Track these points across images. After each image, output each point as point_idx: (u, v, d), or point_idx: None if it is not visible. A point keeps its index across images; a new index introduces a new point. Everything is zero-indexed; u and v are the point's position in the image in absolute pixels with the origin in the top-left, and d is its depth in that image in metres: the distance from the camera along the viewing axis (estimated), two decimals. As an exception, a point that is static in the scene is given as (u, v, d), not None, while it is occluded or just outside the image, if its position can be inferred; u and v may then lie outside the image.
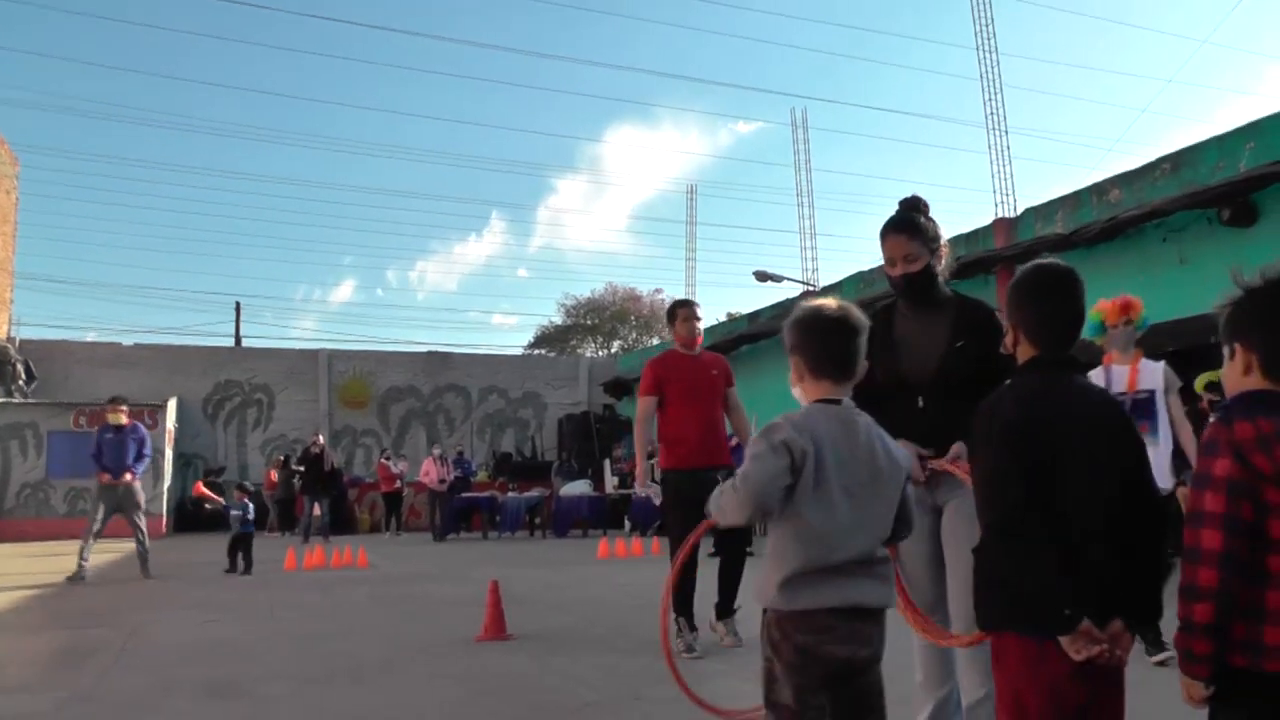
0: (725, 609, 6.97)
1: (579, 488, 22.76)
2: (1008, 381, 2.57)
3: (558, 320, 50.14)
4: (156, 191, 69.09)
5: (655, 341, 44.26)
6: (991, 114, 19.33)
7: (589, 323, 50.17)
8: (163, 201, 63.59)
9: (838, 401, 2.65)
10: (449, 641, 7.22)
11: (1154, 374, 6.14)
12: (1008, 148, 18.71)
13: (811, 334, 2.70)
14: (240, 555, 13.13)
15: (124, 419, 12.75)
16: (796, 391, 2.73)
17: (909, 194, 3.90)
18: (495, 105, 77.44)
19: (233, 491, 14.95)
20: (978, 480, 2.49)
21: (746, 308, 28.65)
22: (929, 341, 3.68)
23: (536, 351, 45.20)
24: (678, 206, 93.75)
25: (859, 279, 21.05)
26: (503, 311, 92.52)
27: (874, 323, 3.75)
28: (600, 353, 45.38)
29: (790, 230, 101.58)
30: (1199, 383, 9.76)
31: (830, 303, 2.73)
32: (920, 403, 3.62)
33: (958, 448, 3.41)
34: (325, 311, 73.17)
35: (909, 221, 3.77)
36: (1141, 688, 2.66)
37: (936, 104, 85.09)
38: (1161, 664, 5.60)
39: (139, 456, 12.60)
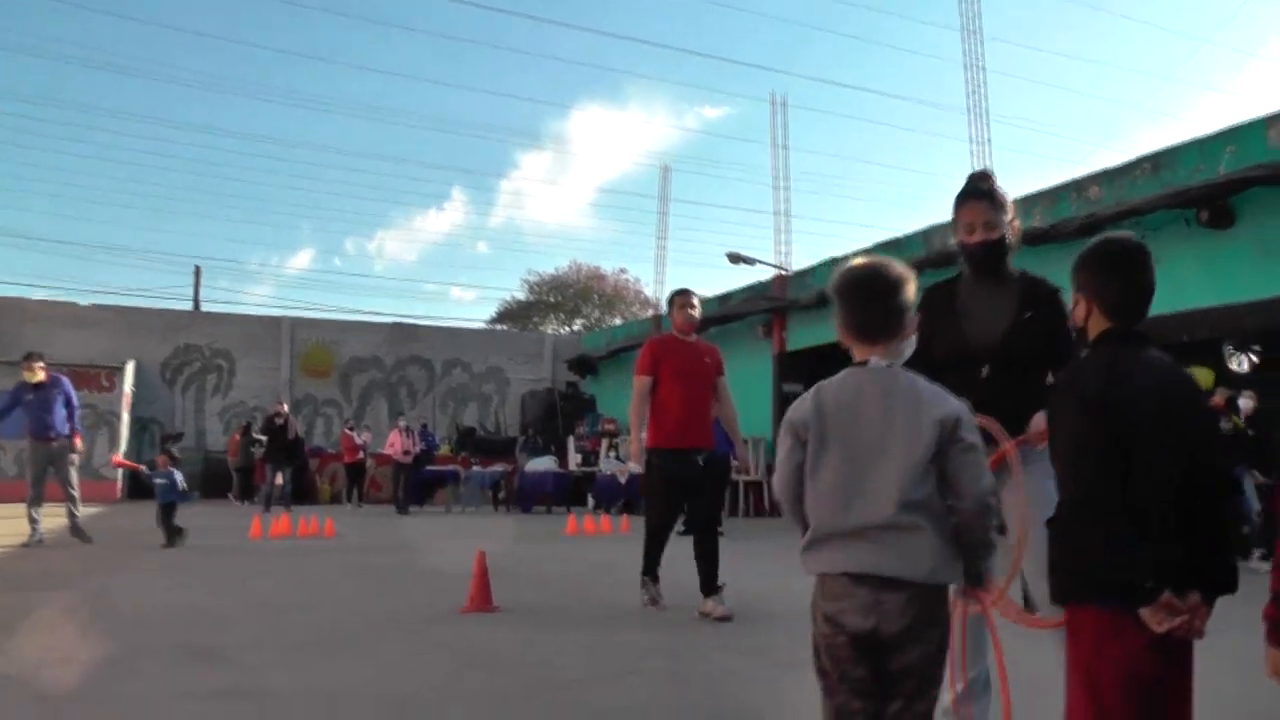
0: (710, 586, 7.16)
1: (544, 464, 22.67)
2: (1083, 354, 2.53)
3: (521, 296, 49.91)
4: (113, 143, 67.20)
5: (618, 321, 44.19)
6: (973, 98, 19.28)
7: (552, 300, 49.98)
8: (118, 154, 61.83)
9: (864, 364, 2.59)
10: (433, 612, 7.12)
11: None
12: (989, 140, 18.78)
13: (840, 295, 2.66)
14: (164, 527, 11.99)
15: (41, 375, 12.03)
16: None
17: (979, 169, 3.89)
18: (460, 71, 76.51)
19: (155, 458, 13.55)
20: (1056, 454, 2.46)
21: (716, 288, 28.55)
22: (994, 313, 3.64)
23: (499, 327, 44.94)
24: (644, 184, 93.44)
25: (833, 264, 21.04)
26: (461, 285, 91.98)
27: (936, 294, 3.78)
28: (563, 330, 45.22)
29: (764, 210, 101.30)
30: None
31: (862, 262, 2.66)
32: (984, 373, 3.57)
33: (1039, 419, 3.32)
34: (282, 278, 72.21)
35: (992, 190, 3.74)
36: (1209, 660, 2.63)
37: (918, 86, 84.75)
38: None
39: (70, 413, 12.03)
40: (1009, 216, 3.73)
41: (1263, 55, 72.36)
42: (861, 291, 2.62)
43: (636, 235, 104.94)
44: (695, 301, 7.68)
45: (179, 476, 12.33)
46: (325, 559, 10.97)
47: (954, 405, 2.54)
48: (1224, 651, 3.40)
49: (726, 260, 24.00)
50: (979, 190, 3.75)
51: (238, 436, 24.51)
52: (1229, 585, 2.29)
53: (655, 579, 7.45)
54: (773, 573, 10.67)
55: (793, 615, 7.27)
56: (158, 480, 12.27)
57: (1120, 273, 2.52)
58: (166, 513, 12.04)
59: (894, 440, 2.49)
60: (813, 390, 2.62)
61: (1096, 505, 2.29)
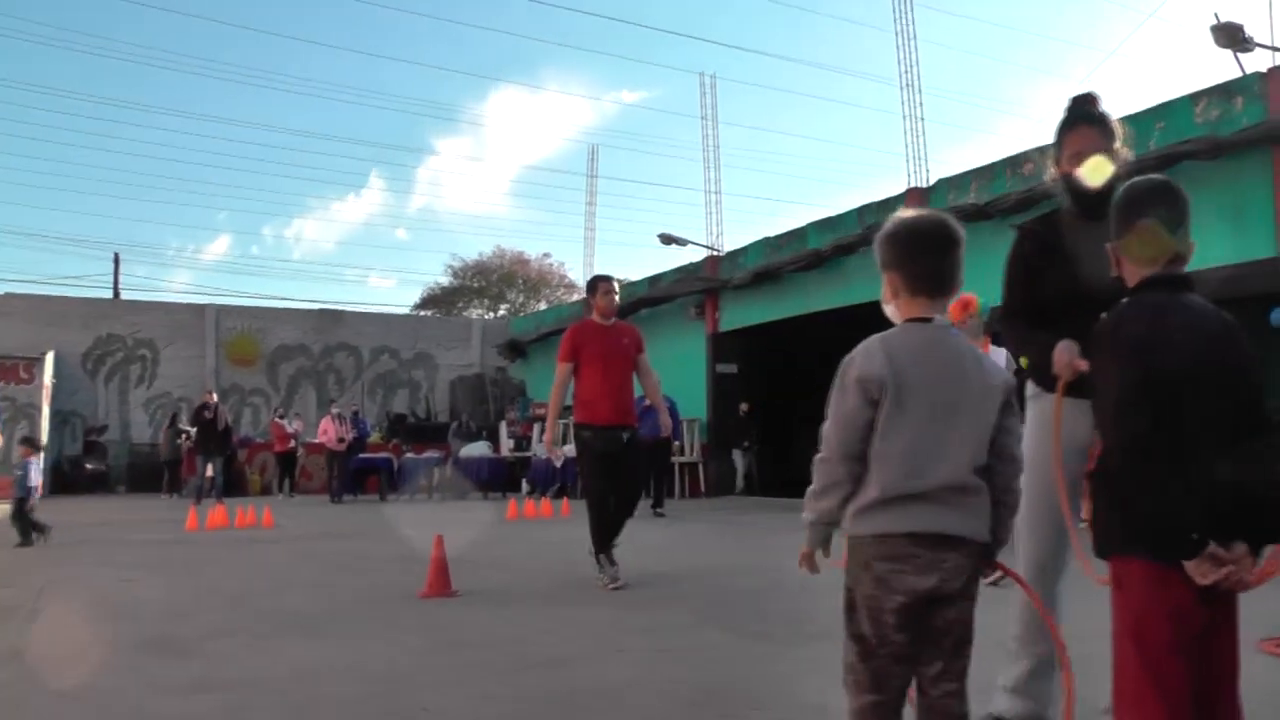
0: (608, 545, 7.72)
1: (479, 449, 22.54)
2: (1124, 300, 2.49)
3: (445, 281, 49.53)
4: (19, 117, 64.75)
5: (543, 305, 44.10)
6: (907, 76, 19.37)
7: (476, 285, 49.69)
8: (22, 129, 59.31)
9: (929, 320, 2.52)
10: (391, 597, 7.05)
11: (998, 359, 7.19)
12: (921, 118, 18.91)
13: (906, 248, 2.55)
14: (16, 524, 11.14)
15: None
16: (889, 309, 2.59)
17: (1083, 92, 3.49)
18: (376, 52, 75.27)
19: (16, 447, 12.44)
20: (1099, 401, 2.43)
21: (646, 270, 28.49)
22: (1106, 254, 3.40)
23: (424, 313, 44.55)
24: (569, 166, 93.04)
25: (765, 244, 21.20)
26: (380, 273, 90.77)
27: (1039, 232, 3.49)
28: (488, 315, 44.96)
29: (694, 187, 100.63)
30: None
31: (925, 213, 2.59)
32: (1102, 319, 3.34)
33: (1066, 355, 3.12)
34: (201, 265, 70.55)
35: (1103, 116, 3.39)
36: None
37: (850, 57, 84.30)
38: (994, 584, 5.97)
39: None
40: (1118, 144, 3.39)
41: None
42: (933, 242, 2.53)
43: (562, 219, 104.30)
44: (615, 287, 8.12)
45: (35, 469, 11.51)
46: (270, 549, 10.81)
47: (1005, 372, 2.56)
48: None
49: (658, 241, 24.07)
50: (1089, 115, 3.40)
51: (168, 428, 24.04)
52: (1275, 535, 2.28)
53: (611, 559, 7.65)
54: (733, 550, 10.79)
55: (760, 590, 7.42)
56: (18, 472, 11.45)
57: (1151, 215, 2.49)
58: (18, 507, 11.22)
59: (969, 401, 2.46)
60: (876, 346, 2.48)
61: (1141, 455, 2.28)
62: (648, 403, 15.36)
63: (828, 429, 2.53)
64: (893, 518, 2.42)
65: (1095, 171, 3.20)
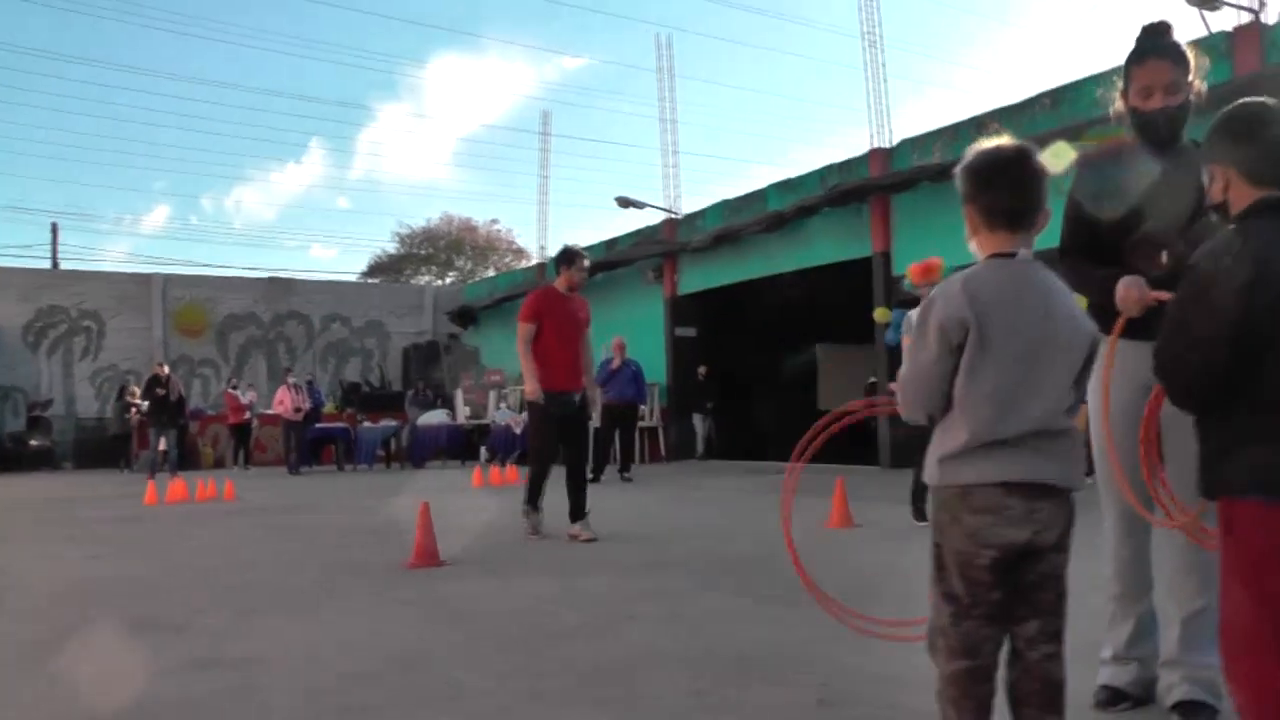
0: (578, 513, 8.11)
1: (437, 417, 22.29)
2: (1230, 228, 2.35)
3: (392, 249, 48.93)
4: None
5: (491, 272, 43.76)
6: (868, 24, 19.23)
7: (424, 252, 49.17)
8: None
9: (1012, 255, 2.36)
10: (377, 569, 6.85)
11: None
12: (885, 79, 18.85)
13: (986, 179, 2.40)
14: None
15: None
16: (972, 245, 2.44)
17: (1154, 20, 3.29)
18: (314, 19, 73.74)
19: None
20: (1193, 340, 2.30)
21: (599, 235, 28.21)
22: (1176, 190, 3.12)
23: (372, 281, 43.99)
24: (519, 130, 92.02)
25: (725, 206, 21.07)
26: (323, 241, 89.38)
27: (1100, 167, 3.29)
28: (436, 283, 44.51)
29: (649, 147, 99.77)
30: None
31: (1007, 143, 2.42)
32: (1164, 258, 3.10)
33: (1133, 289, 3.01)
34: (140, 236, 69.02)
35: (1176, 46, 3.19)
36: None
37: (810, 6, 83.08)
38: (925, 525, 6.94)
39: None
40: (1192, 76, 3.19)
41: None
42: (1017, 172, 2.37)
43: (513, 184, 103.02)
44: (587, 263, 8.64)
45: None
46: (239, 522, 10.52)
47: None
48: None
49: (615, 204, 23.84)
50: (1160, 46, 3.20)
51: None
52: None
53: (537, 508, 8.27)
54: (713, 513, 10.66)
55: (752, 553, 7.31)
56: None
57: (1265, 132, 2.36)
58: None
59: (1057, 341, 2.32)
60: (957, 286, 2.33)
61: (1255, 394, 2.18)
62: (614, 365, 15.50)
63: (905, 377, 2.41)
64: (982, 467, 2.29)
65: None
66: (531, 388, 8.22)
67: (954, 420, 2.35)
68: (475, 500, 12.48)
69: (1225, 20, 12.13)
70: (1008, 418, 2.28)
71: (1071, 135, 12.64)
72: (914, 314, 8.51)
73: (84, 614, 5.50)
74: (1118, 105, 3.34)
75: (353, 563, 7.27)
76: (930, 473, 2.42)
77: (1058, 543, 2.33)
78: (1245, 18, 11.92)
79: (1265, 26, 11.39)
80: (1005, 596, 2.32)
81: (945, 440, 2.36)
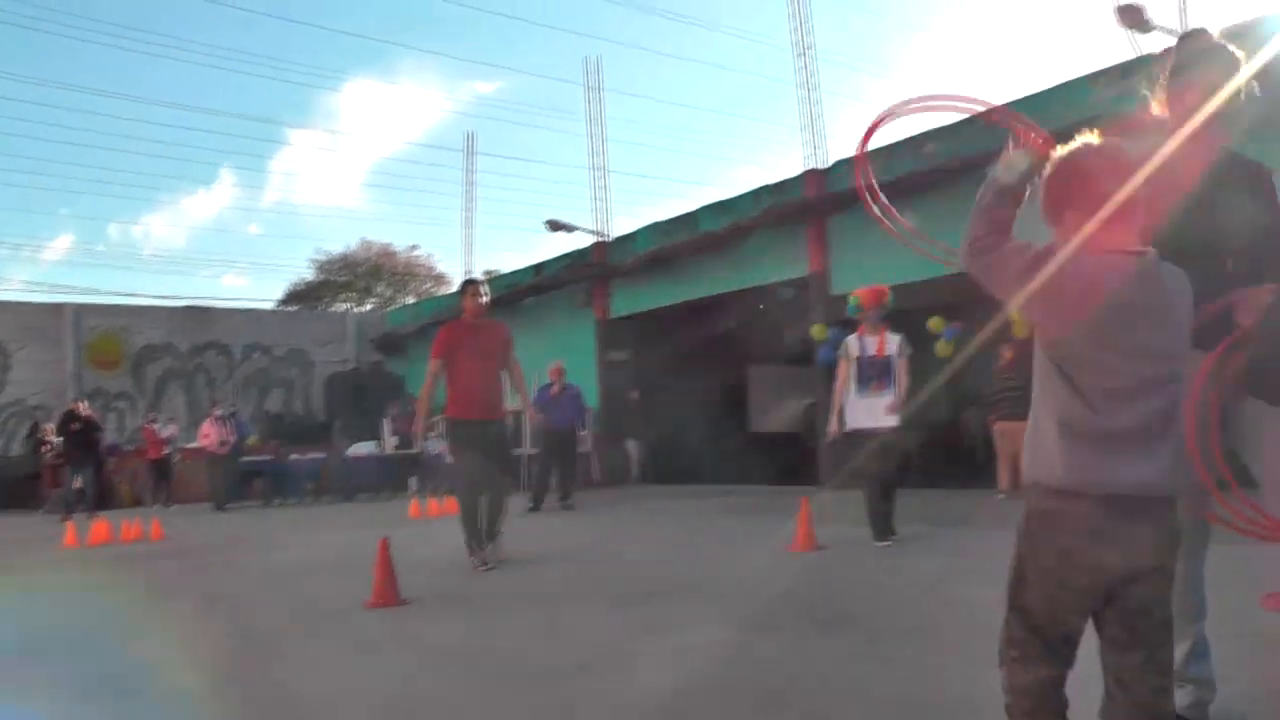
0: (491, 534, 8.30)
1: (366, 448, 21.78)
2: None
3: (310, 276, 48.05)
4: None
5: (411, 299, 43.26)
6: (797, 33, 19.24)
7: (342, 279, 48.41)
8: None
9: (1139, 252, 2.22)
10: (337, 610, 6.51)
11: (894, 343, 8.57)
12: (818, 91, 18.90)
13: (1091, 172, 2.27)
14: None
15: None
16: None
17: (1193, 29, 3.31)
18: (226, 44, 72.44)
19: None
20: None
21: (528, 258, 27.85)
22: (1225, 200, 3.07)
23: (289, 309, 43.12)
24: (444, 155, 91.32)
25: (656, 228, 20.98)
26: (236, 269, 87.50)
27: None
28: (355, 309, 43.80)
29: (578, 166, 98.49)
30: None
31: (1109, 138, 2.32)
32: (1230, 265, 3.04)
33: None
34: (42, 263, 66.68)
35: (1216, 51, 3.15)
36: None
37: (743, 19, 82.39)
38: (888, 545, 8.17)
39: None
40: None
41: None
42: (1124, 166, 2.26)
43: (435, 208, 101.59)
44: (484, 290, 8.72)
45: None
46: (174, 564, 10.01)
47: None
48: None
49: (544, 227, 23.53)
50: (1202, 54, 3.18)
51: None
52: None
53: (480, 543, 8.20)
54: (671, 539, 10.39)
55: (734, 578, 7.15)
56: None
57: None
58: None
59: (1172, 336, 2.22)
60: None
61: None
62: (554, 391, 15.25)
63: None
64: (1080, 468, 2.14)
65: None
66: (417, 427, 8.84)
67: (1044, 414, 2.23)
68: (417, 532, 12.12)
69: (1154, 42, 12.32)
70: (1112, 409, 2.14)
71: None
72: (851, 339, 8.70)
73: (25, 675, 5.10)
74: (1158, 111, 3.27)
75: (309, 603, 6.93)
76: (1023, 471, 2.30)
77: (1162, 565, 2.19)
78: (1172, 40, 12.11)
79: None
80: (1100, 623, 2.21)
81: (1038, 436, 2.25)
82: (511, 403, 9.28)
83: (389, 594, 6.65)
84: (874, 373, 8.53)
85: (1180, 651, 3.12)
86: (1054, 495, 2.19)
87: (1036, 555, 2.21)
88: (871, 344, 8.57)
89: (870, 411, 8.51)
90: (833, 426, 8.74)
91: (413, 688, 4.34)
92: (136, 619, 6.68)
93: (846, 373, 8.60)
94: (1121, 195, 2.21)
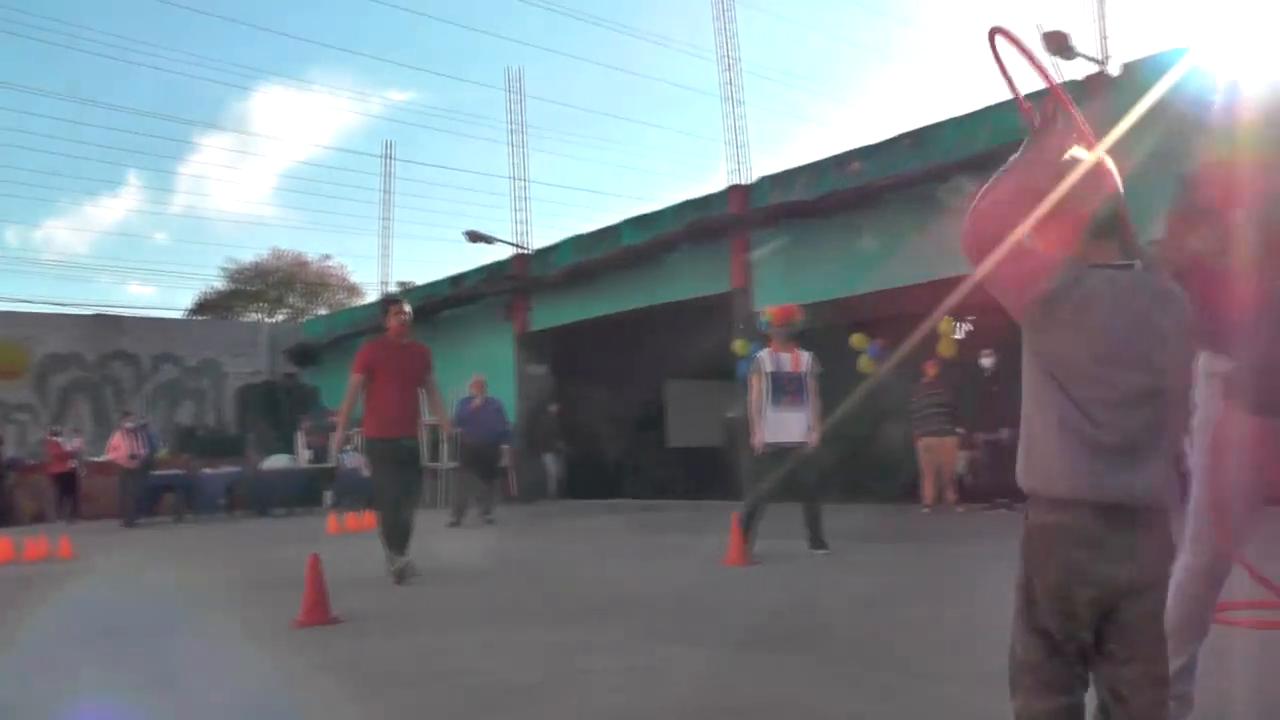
0: (403, 548, 8.29)
1: (282, 462, 21.37)
2: None
3: (220, 285, 47.12)
4: None
5: (324, 310, 42.69)
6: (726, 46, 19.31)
7: (253, 289, 47.59)
8: None
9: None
10: (266, 630, 6.37)
11: (806, 361, 8.85)
12: (743, 117, 19.00)
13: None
14: None
15: None
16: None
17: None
18: (132, 52, 70.61)
19: None
20: None
21: (446, 269, 27.40)
22: None
23: (200, 318, 42.20)
24: (360, 164, 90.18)
25: (577, 241, 20.94)
26: (141, 277, 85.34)
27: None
28: (266, 320, 43.04)
29: (499, 175, 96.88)
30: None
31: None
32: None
33: None
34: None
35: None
36: None
37: (668, 26, 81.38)
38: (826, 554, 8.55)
39: None
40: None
41: None
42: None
43: (352, 218, 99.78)
44: (407, 309, 8.80)
45: None
46: (86, 585, 9.67)
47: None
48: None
49: (464, 239, 23.30)
50: None
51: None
52: None
53: (401, 551, 8.27)
54: (603, 554, 10.34)
55: (671, 595, 7.13)
56: None
57: None
58: None
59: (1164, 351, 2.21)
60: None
61: None
62: (476, 404, 15.12)
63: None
64: (1079, 476, 2.15)
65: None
66: (336, 440, 9.07)
67: (1038, 423, 2.23)
68: (339, 548, 11.89)
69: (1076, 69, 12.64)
70: (1107, 425, 2.15)
71: (933, 175, 13.06)
72: (764, 354, 8.91)
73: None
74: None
75: (235, 624, 6.77)
76: (1020, 480, 2.27)
77: (1160, 578, 2.22)
78: (1094, 67, 12.48)
79: (1110, 76, 11.97)
80: (1101, 636, 2.19)
81: (1033, 446, 2.24)
82: (428, 417, 9.62)
83: (320, 612, 6.53)
84: (790, 388, 8.75)
85: (1179, 662, 3.12)
86: (1054, 507, 2.19)
87: (1043, 572, 2.20)
88: (786, 360, 8.82)
89: (785, 426, 8.71)
90: (758, 440, 8.82)
91: (365, 711, 4.26)
92: (44, 648, 6.44)
93: (760, 386, 8.72)
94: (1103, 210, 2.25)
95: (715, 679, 4.52)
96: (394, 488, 8.45)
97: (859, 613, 6.14)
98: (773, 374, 8.74)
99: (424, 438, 13.06)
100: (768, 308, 9.36)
